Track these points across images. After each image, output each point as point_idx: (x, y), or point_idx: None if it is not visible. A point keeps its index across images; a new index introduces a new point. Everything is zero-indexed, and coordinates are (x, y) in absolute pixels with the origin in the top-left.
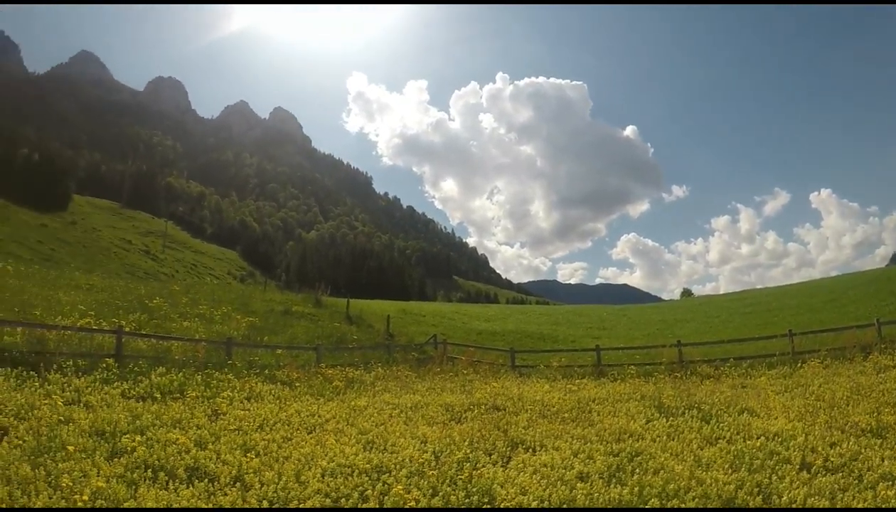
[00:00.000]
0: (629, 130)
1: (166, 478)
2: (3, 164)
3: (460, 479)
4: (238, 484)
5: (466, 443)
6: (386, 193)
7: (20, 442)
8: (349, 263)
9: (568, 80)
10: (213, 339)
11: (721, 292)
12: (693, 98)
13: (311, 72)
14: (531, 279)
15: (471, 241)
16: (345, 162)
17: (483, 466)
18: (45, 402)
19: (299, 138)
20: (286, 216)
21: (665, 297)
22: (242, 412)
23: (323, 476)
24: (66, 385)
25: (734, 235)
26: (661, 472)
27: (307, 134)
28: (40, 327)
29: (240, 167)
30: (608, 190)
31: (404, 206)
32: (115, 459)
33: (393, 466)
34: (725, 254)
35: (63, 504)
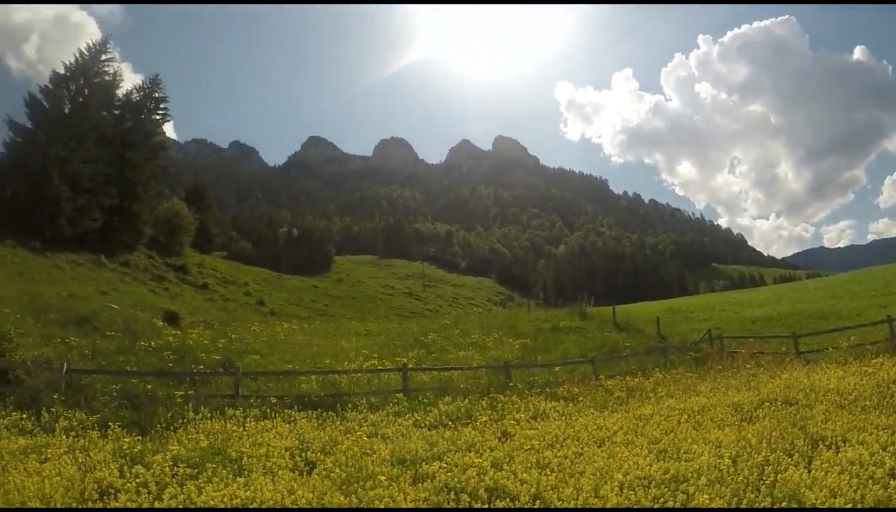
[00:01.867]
0: (858, 52)
1: (469, 499)
2: (269, 243)
3: (764, 484)
4: (538, 502)
5: (763, 444)
6: (625, 192)
7: (328, 473)
8: (603, 270)
9: (773, 19)
10: (490, 364)
11: None
12: None
13: (517, 95)
14: (795, 251)
15: (722, 222)
16: (576, 171)
17: (786, 469)
18: (346, 437)
19: (526, 159)
20: (532, 236)
21: None
22: (531, 432)
23: (621, 489)
24: (362, 421)
25: None
26: None
27: (532, 154)
28: (331, 373)
29: (477, 200)
30: (856, 128)
31: (646, 201)
32: (419, 484)
33: (690, 474)
34: None
35: None
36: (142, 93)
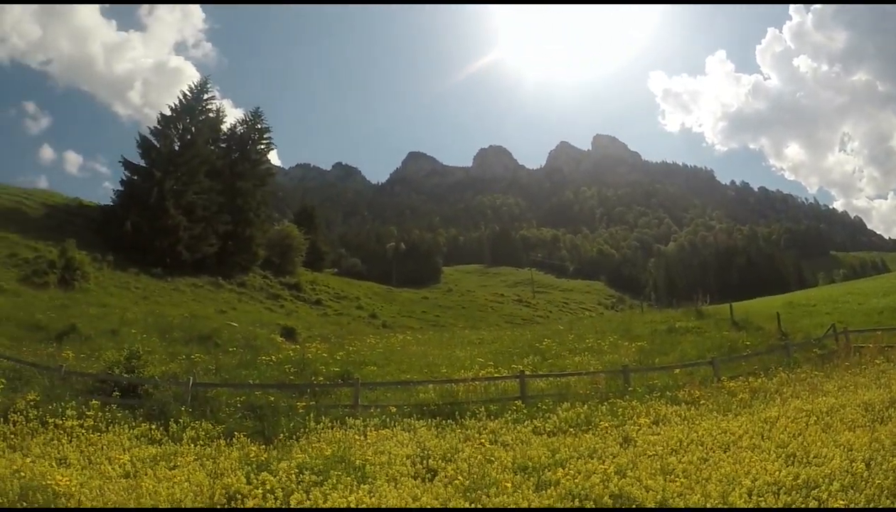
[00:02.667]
0: None
1: (593, 505)
2: (378, 258)
3: None
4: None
5: None
6: (732, 182)
7: (451, 480)
8: (715, 265)
9: None
10: (608, 369)
11: None
12: None
13: (610, 91)
14: None
15: (837, 205)
16: (679, 163)
17: None
18: (466, 444)
19: (627, 156)
20: (640, 235)
21: None
22: (653, 437)
23: (749, 495)
24: (481, 428)
25: None
26: None
27: (633, 150)
28: (448, 382)
29: (582, 202)
30: None
31: (755, 189)
32: (542, 491)
33: (821, 479)
34: None
35: None
36: (245, 125)
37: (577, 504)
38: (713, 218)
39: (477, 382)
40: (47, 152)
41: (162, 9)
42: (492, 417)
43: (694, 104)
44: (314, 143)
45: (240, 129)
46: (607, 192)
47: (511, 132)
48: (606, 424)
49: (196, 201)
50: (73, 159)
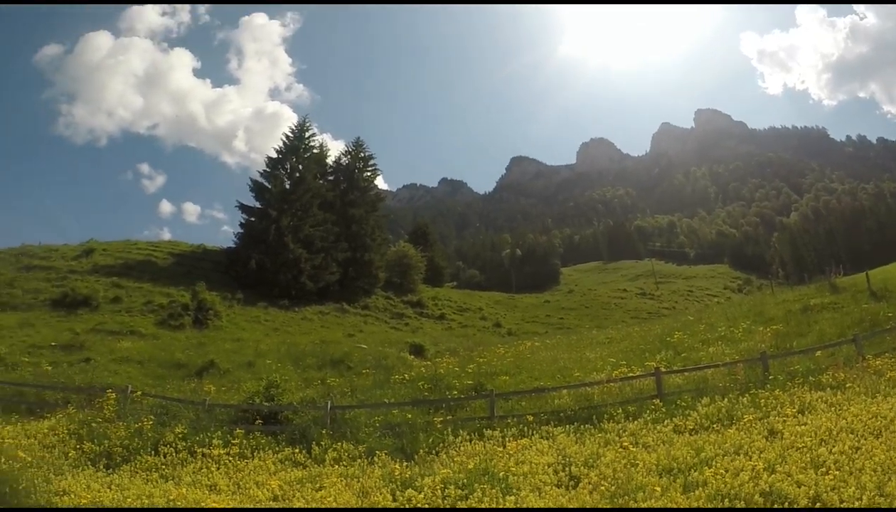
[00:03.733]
0: None
1: (743, 505)
2: (495, 266)
3: None
4: (818, 504)
5: None
6: (847, 137)
7: (595, 487)
8: (842, 231)
9: None
10: (744, 358)
11: None
12: None
13: (703, 62)
14: None
15: None
16: (789, 126)
17: None
18: (606, 448)
19: (733, 128)
20: (759, 210)
21: None
22: (800, 427)
23: None
24: (621, 431)
25: None
26: None
27: (738, 120)
28: (582, 386)
29: (693, 183)
30: None
31: (873, 142)
32: (690, 493)
33: None
34: None
35: None
36: (349, 156)
37: (727, 504)
38: (833, 180)
39: (612, 384)
40: (166, 206)
41: (250, 60)
42: (630, 419)
43: (792, 60)
44: (418, 162)
45: (344, 159)
46: (718, 169)
47: (610, 123)
48: (750, 418)
49: (313, 234)
50: (191, 209)
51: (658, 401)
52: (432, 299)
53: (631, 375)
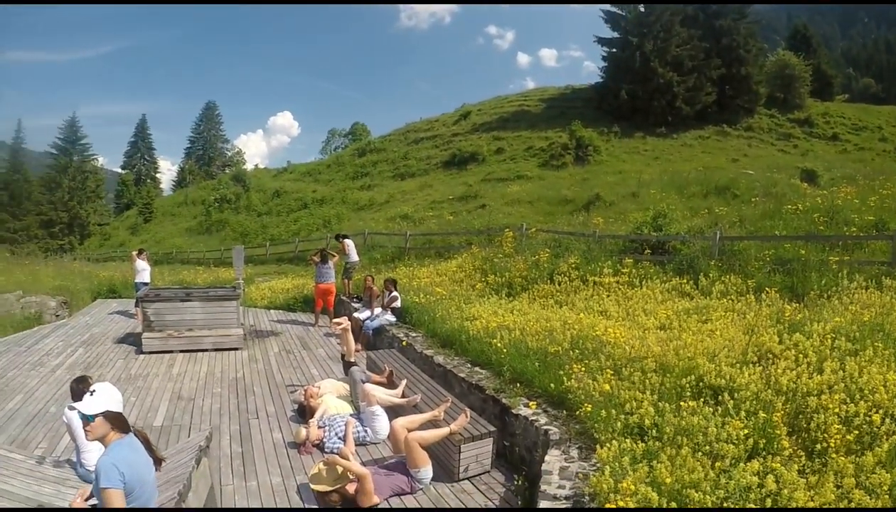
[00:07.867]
0: None
1: None
2: (894, 71)
3: None
4: None
5: None
6: None
7: None
8: None
9: None
10: None
11: None
12: None
13: None
14: None
15: None
16: None
17: None
18: None
19: None
20: None
21: None
22: None
23: None
24: None
25: None
26: None
27: None
28: None
29: None
30: None
31: None
32: None
33: None
34: None
35: None
36: None
37: None
38: None
39: None
40: (523, 58)
41: None
42: None
43: None
44: None
45: None
46: None
47: None
48: None
49: (681, 54)
50: (547, 54)
51: None
52: (822, 116)
53: None
